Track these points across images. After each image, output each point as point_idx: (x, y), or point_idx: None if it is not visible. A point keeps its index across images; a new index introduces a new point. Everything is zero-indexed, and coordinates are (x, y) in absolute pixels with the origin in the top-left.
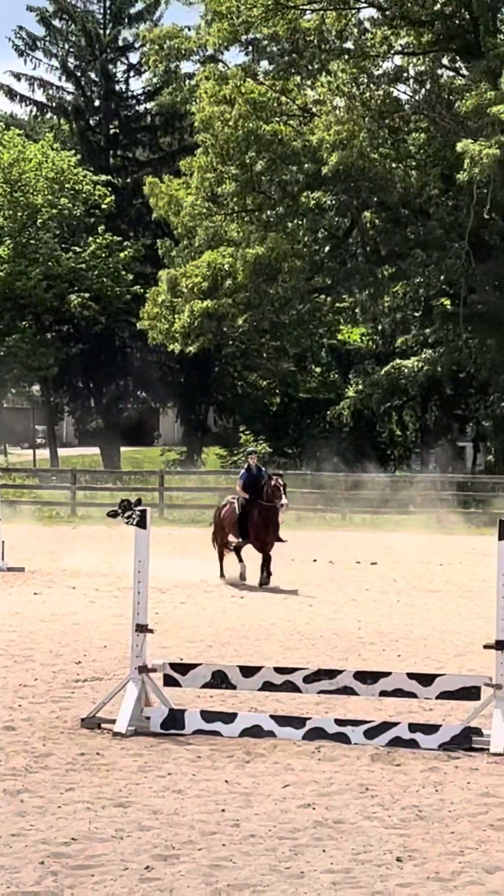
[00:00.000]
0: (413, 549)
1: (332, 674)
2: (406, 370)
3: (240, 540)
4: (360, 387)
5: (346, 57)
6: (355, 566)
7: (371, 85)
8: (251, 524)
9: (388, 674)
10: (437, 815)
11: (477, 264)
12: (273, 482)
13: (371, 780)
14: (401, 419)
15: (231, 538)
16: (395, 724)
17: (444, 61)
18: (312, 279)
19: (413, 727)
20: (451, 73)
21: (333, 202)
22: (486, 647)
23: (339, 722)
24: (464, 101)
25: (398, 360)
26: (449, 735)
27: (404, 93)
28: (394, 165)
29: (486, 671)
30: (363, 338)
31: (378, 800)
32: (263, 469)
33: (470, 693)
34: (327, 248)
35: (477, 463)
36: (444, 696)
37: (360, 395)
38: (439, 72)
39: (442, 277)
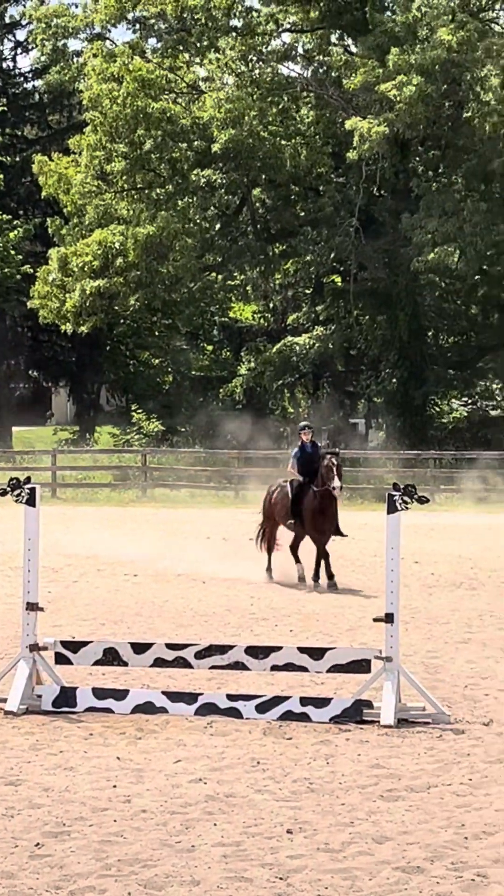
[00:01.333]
0: None
1: (223, 649)
2: (298, 347)
3: (293, 521)
4: (253, 364)
5: (235, 34)
6: (248, 543)
7: (260, 62)
8: (306, 510)
9: (279, 648)
10: (328, 787)
11: (367, 241)
12: (326, 462)
13: (263, 753)
14: (293, 396)
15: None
16: (287, 698)
17: (333, 38)
18: (203, 257)
19: (304, 701)
20: (340, 50)
21: (223, 180)
22: (375, 620)
23: (230, 697)
24: (352, 78)
25: (290, 338)
26: (340, 708)
27: (293, 70)
28: (283, 143)
29: (378, 644)
30: (255, 315)
31: (269, 773)
32: (320, 446)
33: (360, 666)
34: (218, 226)
35: (369, 439)
36: (335, 669)
37: (253, 372)
38: (328, 49)
39: (332, 255)
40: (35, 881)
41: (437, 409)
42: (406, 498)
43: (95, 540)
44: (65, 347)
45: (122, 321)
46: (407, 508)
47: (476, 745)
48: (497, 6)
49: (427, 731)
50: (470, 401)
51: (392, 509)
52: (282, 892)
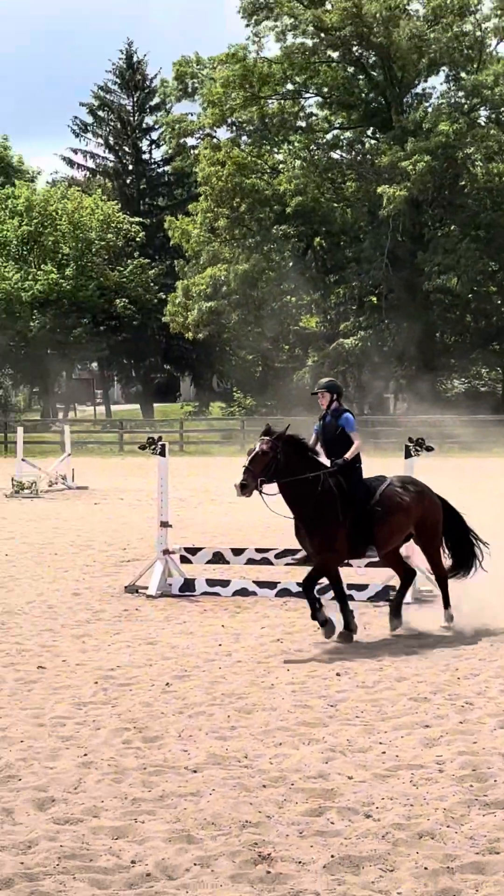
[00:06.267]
0: None
1: (294, 552)
2: (347, 346)
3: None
4: (316, 358)
5: (300, 131)
6: None
7: (318, 150)
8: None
9: None
10: (366, 643)
11: (393, 273)
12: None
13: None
14: (345, 380)
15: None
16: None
17: (368, 132)
18: (282, 285)
19: (350, 585)
20: (373, 141)
21: (294, 232)
22: None
23: (299, 584)
24: (381, 158)
25: (341, 340)
26: (374, 591)
27: (340, 155)
28: (335, 205)
29: None
30: (317, 324)
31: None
32: (350, 416)
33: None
34: (291, 264)
35: (396, 409)
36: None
37: (316, 364)
38: (364, 139)
39: (370, 282)
40: (165, 707)
41: (443, 387)
42: (417, 447)
43: (209, 480)
44: (188, 349)
45: (226, 330)
46: (418, 454)
47: None
48: (480, 108)
49: None
50: (466, 381)
51: (408, 455)
52: (332, 714)
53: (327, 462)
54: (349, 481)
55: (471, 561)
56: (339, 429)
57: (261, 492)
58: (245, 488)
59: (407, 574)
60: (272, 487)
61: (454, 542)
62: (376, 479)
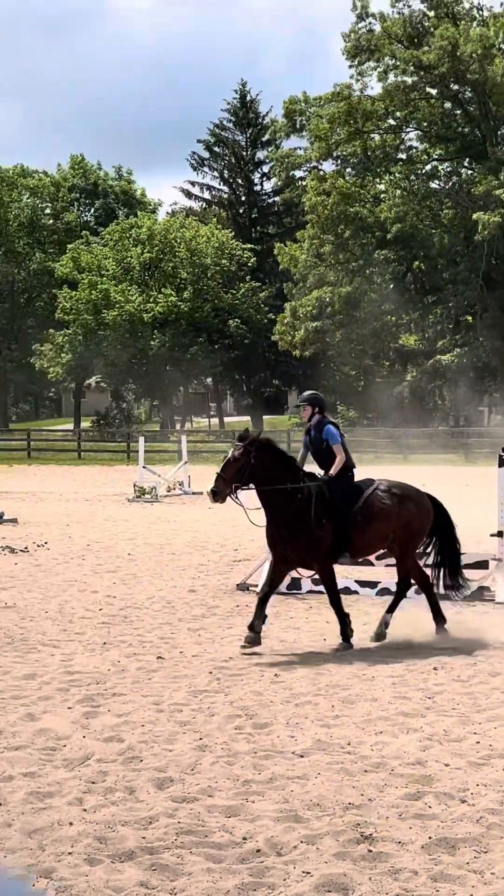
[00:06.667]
0: None
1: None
2: (444, 362)
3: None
4: (415, 373)
5: (401, 163)
6: None
7: (417, 180)
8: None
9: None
10: (465, 638)
11: (488, 293)
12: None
13: (420, 618)
14: (441, 394)
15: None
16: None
17: (464, 163)
18: (382, 306)
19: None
20: (469, 171)
21: (395, 256)
22: (491, 535)
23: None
24: (476, 187)
25: (438, 356)
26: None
27: (438, 184)
28: (433, 231)
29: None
30: (416, 342)
31: (425, 632)
32: (332, 428)
33: (481, 565)
34: (391, 286)
35: (491, 421)
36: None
37: (415, 378)
38: (460, 170)
39: (466, 302)
40: (274, 696)
41: None
42: None
43: None
44: (295, 365)
45: (330, 347)
46: None
47: None
48: None
49: None
50: None
51: (501, 464)
52: (429, 706)
53: (320, 471)
54: (332, 489)
55: (450, 570)
56: (324, 442)
57: (234, 498)
58: (217, 495)
59: (399, 590)
60: (256, 500)
61: (440, 548)
62: (364, 483)
